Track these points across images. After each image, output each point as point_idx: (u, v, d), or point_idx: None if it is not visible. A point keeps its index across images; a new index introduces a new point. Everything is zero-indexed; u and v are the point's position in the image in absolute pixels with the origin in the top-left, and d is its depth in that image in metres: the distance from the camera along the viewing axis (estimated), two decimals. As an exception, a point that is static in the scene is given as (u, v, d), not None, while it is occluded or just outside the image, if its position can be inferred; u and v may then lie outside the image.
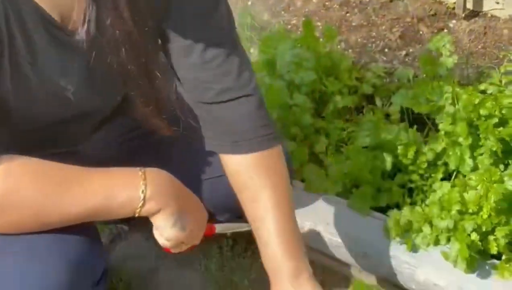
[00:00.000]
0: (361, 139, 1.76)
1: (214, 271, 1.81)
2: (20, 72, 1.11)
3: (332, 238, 1.68)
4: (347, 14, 2.47)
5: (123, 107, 1.34)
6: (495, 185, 1.48)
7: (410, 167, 1.73)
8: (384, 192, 1.72)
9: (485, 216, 1.48)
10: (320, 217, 1.70)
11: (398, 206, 1.69)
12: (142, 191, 1.16)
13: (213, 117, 1.28)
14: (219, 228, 1.47)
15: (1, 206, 1.10)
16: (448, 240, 1.56)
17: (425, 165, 1.71)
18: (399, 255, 1.59)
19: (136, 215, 1.18)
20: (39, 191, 1.12)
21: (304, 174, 1.79)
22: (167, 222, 1.20)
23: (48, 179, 1.13)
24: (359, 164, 1.72)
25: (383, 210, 1.69)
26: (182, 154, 1.49)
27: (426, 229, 1.58)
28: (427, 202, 1.64)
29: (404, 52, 2.30)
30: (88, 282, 1.21)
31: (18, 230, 1.14)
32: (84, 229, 1.19)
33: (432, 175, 1.71)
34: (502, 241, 1.50)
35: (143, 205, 1.16)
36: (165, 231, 1.22)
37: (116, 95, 1.31)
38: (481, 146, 1.63)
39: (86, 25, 1.12)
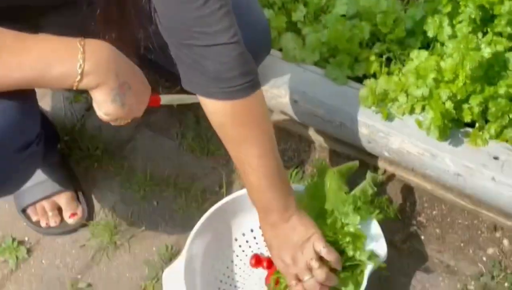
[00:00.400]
0: (339, 7, 1.73)
1: (190, 140, 1.82)
2: None
3: (309, 107, 1.68)
4: None
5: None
6: (471, 52, 1.47)
7: (389, 36, 1.71)
8: (362, 61, 1.71)
9: (460, 84, 1.48)
10: (297, 86, 1.69)
11: (375, 76, 1.68)
12: (80, 66, 1.12)
13: (192, 60, 1.23)
14: (164, 99, 1.44)
15: None
16: (423, 108, 1.57)
17: (404, 33, 1.69)
18: (374, 124, 1.60)
19: (74, 88, 1.14)
20: None
21: (281, 42, 1.77)
22: (106, 97, 1.17)
23: None
24: (337, 33, 1.69)
25: (361, 80, 1.69)
26: None
27: (402, 97, 1.58)
28: (404, 71, 1.63)
29: None
30: (15, 144, 1.21)
31: None
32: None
33: (411, 44, 1.70)
34: (476, 109, 1.51)
35: (80, 80, 1.13)
36: (103, 106, 1.19)
37: None
38: (461, 13, 1.61)
39: None
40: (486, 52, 1.49)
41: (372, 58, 1.69)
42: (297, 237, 1.35)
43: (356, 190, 1.51)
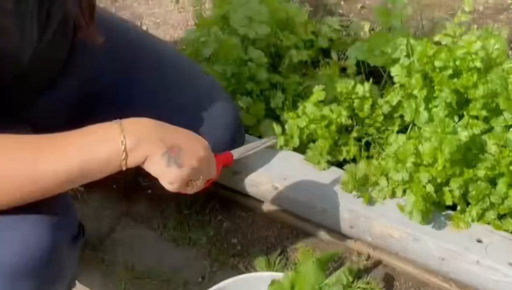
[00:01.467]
0: (317, 92, 1.75)
1: (172, 229, 1.80)
2: None
3: (290, 194, 1.67)
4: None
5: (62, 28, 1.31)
6: (448, 136, 1.49)
7: (367, 121, 1.73)
8: (341, 146, 1.72)
9: (439, 168, 1.49)
10: (277, 172, 1.69)
11: (355, 160, 1.69)
12: (122, 143, 1.10)
13: None
14: (237, 153, 1.41)
15: None
16: (404, 192, 1.57)
17: (381, 118, 1.71)
18: (355, 209, 1.59)
19: (124, 168, 1.12)
20: (11, 161, 1.07)
21: (261, 129, 1.78)
22: (159, 165, 1.14)
23: (19, 148, 1.09)
24: (315, 118, 1.71)
25: (341, 164, 1.69)
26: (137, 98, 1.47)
27: (382, 182, 1.59)
28: (383, 155, 1.64)
29: (360, 5, 2.28)
30: (68, 237, 1.20)
31: None
32: None
33: (389, 128, 1.72)
34: (457, 192, 1.51)
35: (126, 157, 1.11)
36: (162, 176, 1.16)
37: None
38: (436, 98, 1.63)
39: None
40: (463, 135, 1.51)
41: (352, 142, 1.70)
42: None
43: (330, 279, 1.49)
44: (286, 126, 1.75)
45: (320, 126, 1.70)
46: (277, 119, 1.82)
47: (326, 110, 1.72)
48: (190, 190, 1.22)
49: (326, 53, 2.08)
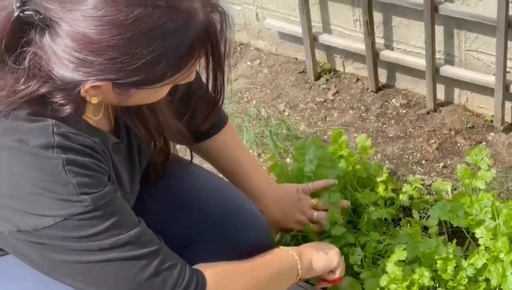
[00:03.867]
0: (398, 252, 1.71)
1: None
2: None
3: None
4: (384, 126, 2.47)
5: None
6: (540, 304, 1.42)
7: (450, 283, 1.67)
8: (423, 308, 1.66)
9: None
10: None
11: (438, 324, 1.62)
12: (299, 269, 1.54)
13: None
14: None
15: None
16: None
17: (466, 281, 1.66)
18: None
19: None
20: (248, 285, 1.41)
21: (341, 287, 1.74)
22: (319, 262, 1.59)
23: (251, 275, 1.43)
24: (397, 278, 1.66)
25: (422, 327, 1.63)
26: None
27: None
28: (468, 320, 1.57)
29: (441, 164, 2.27)
30: None
31: None
32: None
33: (473, 292, 1.65)
34: None
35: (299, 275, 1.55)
36: (331, 260, 1.61)
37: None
38: (524, 262, 1.58)
39: (124, 134, 1.37)
40: (555, 304, 1.44)
41: (434, 306, 1.64)
42: (291, 200, 1.82)
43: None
44: (365, 285, 1.71)
45: (402, 286, 1.65)
46: (356, 276, 1.78)
47: (407, 270, 1.67)
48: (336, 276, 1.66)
49: (407, 211, 2.06)
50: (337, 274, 1.65)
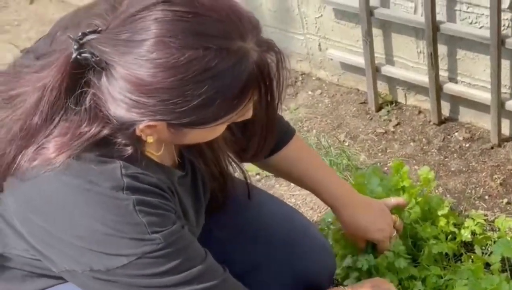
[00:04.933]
0: (459, 288, 1.68)
1: None
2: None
3: None
4: (446, 159, 2.44)
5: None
6: None
7: (512, 322, 1.62)
8: None
9: None
10: None
11: None
12: None
13: None
14: None
15: None
16: None
17: (530, 320, 1.61)
18: None
19: None
20: None
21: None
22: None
23: None
24: (458, 314, 1.63)
25: None
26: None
27: None
28: None
29: (505, 200, 2.23)
30: None
31: None
32: None
33: (537, 332, 1.60)
34: None
35: None
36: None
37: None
38: None
39: (188, 167, 1.39)
40: None
41: None
42: (376, 207, 1.76)
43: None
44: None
45: (464, 324, 1.62)
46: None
47: (469, 307, 1.64)
48: None
49: (468, 247, 2.02)
50: None
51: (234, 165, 1.56)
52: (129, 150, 1.19)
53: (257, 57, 1.14)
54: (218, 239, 1.46)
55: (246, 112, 1.21)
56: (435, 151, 2.48)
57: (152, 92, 1.10)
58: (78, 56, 1.12)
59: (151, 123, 1.14)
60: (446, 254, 1.94)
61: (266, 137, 1.47)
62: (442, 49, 2.41)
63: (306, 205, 2.40)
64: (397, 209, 1.87)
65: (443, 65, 2.45)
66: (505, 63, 2.26)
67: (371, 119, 2.69)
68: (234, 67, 1.11)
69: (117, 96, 1.11)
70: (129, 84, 1.10)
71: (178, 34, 1.08)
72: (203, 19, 1.10)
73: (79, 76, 1.13)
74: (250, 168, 2.11)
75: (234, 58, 1.11)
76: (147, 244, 1.18)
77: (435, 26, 2.30)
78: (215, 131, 1.24)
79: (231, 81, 1.12)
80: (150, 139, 1.19)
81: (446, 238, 1.98)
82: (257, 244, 1.59)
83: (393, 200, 1.86)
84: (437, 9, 2.28)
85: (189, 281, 1.23)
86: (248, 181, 1.62)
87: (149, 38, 1.08)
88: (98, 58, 1.11)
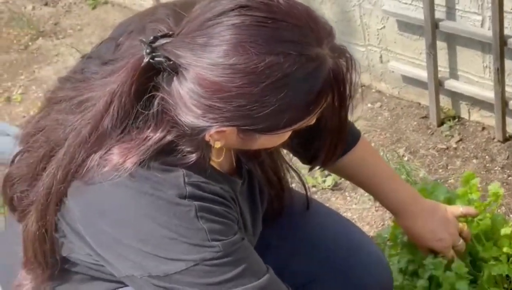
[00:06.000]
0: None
1: None
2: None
3: None
4: (510, 178, 2.36)
5: None
6: None
7: None
8: None
9: None
10: None
11: None
12: None
13: None
14: None
15: None
16: None
17: None
18: None
19: None
20: None
21: None
22: None
23: None
24: None
25: None
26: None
27: None
28: None
29: None
30: None
31: None
32: None
33: None
34: None
35: None
36: None
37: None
38: None
39: (246, 175, 1.36)
40: None
41: None
42: (438, 216, 1.66)
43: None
44: None
45: None
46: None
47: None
48: None
49: (531, 269, 1.94)
50: None
51: (293, 174, 1.53)
52: (194, 157, 1.17)
53: (332, 63, 1.12)
54: (275, 250, 1.43)
55: (312, 119, 1.19)
56: (499, 169, 2.41)
57: (228, 97, 1.08)
58: (151, 60, 1.11)
59: (223, 128, 1.12)
60: (507, 276, 1.87)
61: (337, 143, 1.44)
62: (509, 64, 2.34)
63: (363, 220, 2.35)
64: (466, 219, 1.80)
65: (509, 80, 2.38)
66: None
67: (432, 134, 2.63)
68: (312, 73, 1.10)
69: (188, 101, 1.10)
70: (203, 89, 1.08)
71: (258, 40, 1.07)
72: (282, 24, 1.09)
73: (148, 80, 1.12)
74: (307, 180, 2.08)
75: (313, 65, 1.10)
76: (207, 251, 1.16)
77: (502, 41, 2.24)
78: (284, 136, 1.22)
79: (308, 87, 1.11)
80: (218, 145, 1.17)
81: (508, 260, 1.90)
82: (314, 257, 1.56)
83: (462, 208, 1.76)
84: (505, 23, 2.22)
85: None
86: (307, 190, 1.59)
87: (227, 42, 1.07)
88: (172, 62, 1.09)
